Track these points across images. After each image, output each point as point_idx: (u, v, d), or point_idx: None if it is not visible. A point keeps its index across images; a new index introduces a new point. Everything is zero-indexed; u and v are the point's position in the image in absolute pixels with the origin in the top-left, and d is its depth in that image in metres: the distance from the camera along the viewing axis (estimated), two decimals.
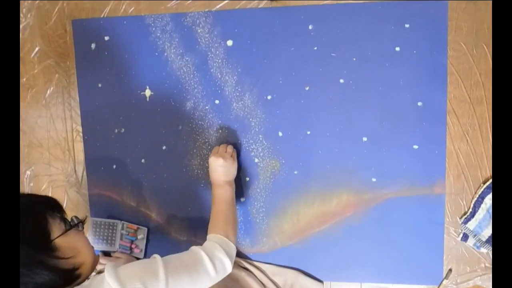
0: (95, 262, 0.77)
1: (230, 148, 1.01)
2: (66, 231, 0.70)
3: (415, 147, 0.99)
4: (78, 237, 0.73)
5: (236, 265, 1.03)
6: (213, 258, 0.78)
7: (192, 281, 0.73)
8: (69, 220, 0.74)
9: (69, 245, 0.69)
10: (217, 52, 1.06)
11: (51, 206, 0.72)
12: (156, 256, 0.75)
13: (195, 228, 1.10)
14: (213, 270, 0.77)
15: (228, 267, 0.81)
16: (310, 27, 1.01)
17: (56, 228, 0.69)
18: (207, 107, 1.07)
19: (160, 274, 0.69)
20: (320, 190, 1.03)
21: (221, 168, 0.95)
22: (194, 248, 0.81)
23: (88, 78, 1.13)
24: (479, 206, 0.97)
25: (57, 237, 0.67)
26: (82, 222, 0.75)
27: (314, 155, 1.03)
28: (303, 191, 1.04)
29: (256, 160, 1.06)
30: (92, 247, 0.77)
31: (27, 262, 0.63)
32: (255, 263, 1.07)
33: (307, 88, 1.03)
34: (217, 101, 1.07)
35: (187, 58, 1.07)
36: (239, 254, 1.08)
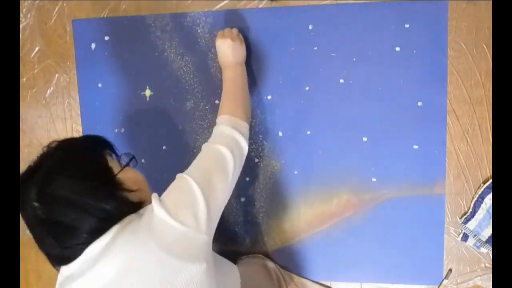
0: None
1: (235, 30, 0.99)
2: (124, 166, 0.72)
3: (415, 147, 0.99)
4: (135, 173, 0.75)
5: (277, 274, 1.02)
6: (227, 141, 0.78)
7: (221, 180, 0.74)
8: (121, 157, 0.76)
9: (131, 179, 0.72)
10: None
11: (106, 145, 0.74)
12: (184, 176, 0.72)
13: None
14: (229, 154, 0.76)
15: (243, 144, 0.80)
16: (310, 27, 1.01)
17: (114, 165, 0.71)
18: (207, 107, 1.07)
19: (198, 197, 0.69)
20: (320, 190, 1.03)
21: (230, 49, 0.93)
22: (205, 146, 0.79)
23: (88, 78, 1.13)
24: (479, 206, 0.97)
25: (118, 172, 0.70)
26: (134, 157, 0.77)
27: (314, 155, 1.03)
28: (303, 191, 1.04)
29: (256, 160, 1.06)
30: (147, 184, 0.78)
31: (100, 195, 0.65)
32: (291, 274, 1.06)
33: (307, 88, 1.03)
34: (217, 101, 1.07)
35: (187, 58, 1.07)
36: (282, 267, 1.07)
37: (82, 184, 0.64)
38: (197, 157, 0.79)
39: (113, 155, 0.75)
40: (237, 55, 0.95)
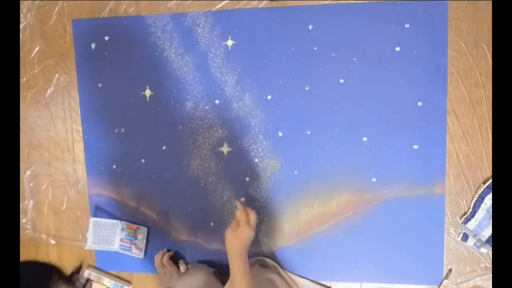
0: None
1: (251, 215, 0.90)
2: None
3: (415, 147, 0.99)
4: None
5: (273, 270, 1.02)
6: None
7: None
8: (72, 279, 0.66)
9: None
10: (217, 52, 1.06)
11: (52, 274, 0.64)
12: None
13: (195, 228, 1.10)
14: None
15: None
16: (310, 27, 1.01)
17: None
18: (207, 107, 1.07)
19: None
20: (320, 190, 1.03)
21: (245, 241, 0.87)
22: None
23: (88, 78, 1.13)
24: (479, 206, 0.97)
25: None
26: (88, 280, 0.68)
27: (314, 155, 1.03)
28: (303, 191, 1.04)
29: (256, 160, 1.06)
30: None
31: None
32: (290, 274, 1.06)
33: (307, 88, 1.03)
34: (217, 101, 1.07)
35: (187, 58, 1.07)
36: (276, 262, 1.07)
37: None
38: None
39: (65, 283, 0.64)
40: (247, 245, 0.87)
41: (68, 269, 0.65)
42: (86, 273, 1.14)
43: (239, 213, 0.90)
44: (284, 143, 1.04)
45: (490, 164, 0.98)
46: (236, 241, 0.87)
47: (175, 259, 1.10)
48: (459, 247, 1.00)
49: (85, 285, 0.67)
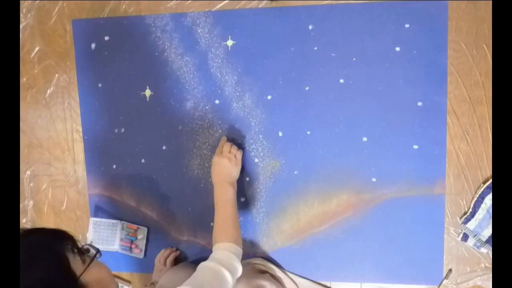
0: None
1: (234, 149, 1.00)
2: (88, 264, 0.63)
3: (415, 147, 0.99)
4: (99, 268, 0.66)
5: (267, 274, 1.01)
6: (232, 270, 0.79)
7: None
8: (83, 250, 0.66)
9: (95, 279, 0.63)
10: (217, 52, 1.06)
11: (65, 240, 0.64)
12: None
13: (195, 228, 1.10)
14: (232, 281, 0.78)
15: (240, 271, 0.82)
16: (310, 27, 1.01)
17: (77, 264, 0.62)
18: (207, 107, 1.07)
19: None
20: (320, 190, 1.03)
21: (224, 169, 0.95)
22: (214, 266, 0.78)
23: (88, 78, 1.13)
24: (479, 206, 0.97)
25: (81, 274, 0.61)
26: (99, 250, 0.68)
27: (314, 155, 1.03)
28: (303, 191, 1.04)
29: (256, 160, 1.06)
30: (114, 277, 0.71)
31: None
32: (290, 274, 1.06)
33: (307, 88, 1.03)
34: (217, 101, 1.07)
35: (187, 58, 1.07)
36: (274, 263, 1.07)
37: None
38: (203, 272, 0.77)
39: (76, 250, 0.64)
40: (228, 176, 0.95)
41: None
42: None
43: (226, 146, 0.99)
44: (284, 143, 1.04)
45: (490, 164, 0.98)
46: (217, 167, 0.96)
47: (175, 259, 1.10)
48: (459, 247, 1.01)
49: (95, 255, 0.66)
